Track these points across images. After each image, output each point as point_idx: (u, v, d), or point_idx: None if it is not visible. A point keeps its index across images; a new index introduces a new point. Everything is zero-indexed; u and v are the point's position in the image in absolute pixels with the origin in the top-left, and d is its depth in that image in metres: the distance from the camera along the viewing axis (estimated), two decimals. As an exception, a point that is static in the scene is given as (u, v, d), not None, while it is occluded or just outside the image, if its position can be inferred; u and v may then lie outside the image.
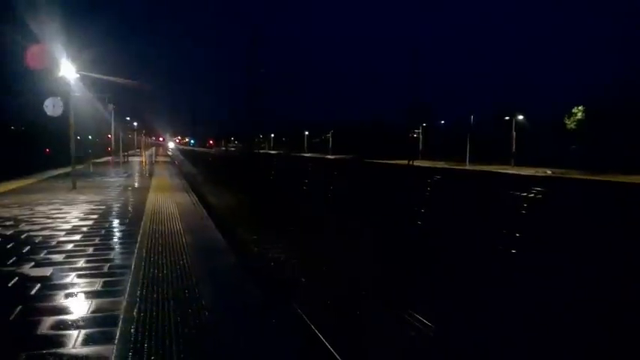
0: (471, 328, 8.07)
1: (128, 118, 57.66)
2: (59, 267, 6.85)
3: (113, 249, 8.17)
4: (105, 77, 28.71)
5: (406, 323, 8.42)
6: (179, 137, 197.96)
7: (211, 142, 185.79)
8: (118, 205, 13.66)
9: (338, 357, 6.72)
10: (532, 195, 25.58)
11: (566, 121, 54.04)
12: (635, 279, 10.70)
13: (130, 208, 12.97)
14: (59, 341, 4.37)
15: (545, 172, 42.03)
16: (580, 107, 53.26)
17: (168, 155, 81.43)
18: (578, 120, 53.06)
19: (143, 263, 7.06)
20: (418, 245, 13.97)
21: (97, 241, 8.67)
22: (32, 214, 11.63)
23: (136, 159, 52.35)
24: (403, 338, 7.99)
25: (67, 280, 6.25)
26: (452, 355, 7.53)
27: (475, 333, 7.89)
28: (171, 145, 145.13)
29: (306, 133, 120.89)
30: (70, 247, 8.14)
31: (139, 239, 8.77)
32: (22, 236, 8.98)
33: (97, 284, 6.05)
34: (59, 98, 18.31)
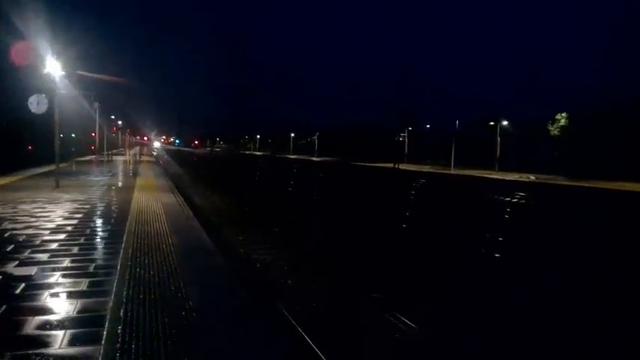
0: (453, 330, 8.14)
1: (113, 117, 57.15)
2: (44, 266, 6.78)
3: (98, 249, 8.11)
4: (90, 75, 28.51)
5: (390, 325, 8.47)
6: (164, 137, 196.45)
7: (196, 142, 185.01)
8: (103, 204, 13.55)
9: (322, 356, 6.75)
10: (515, 200, 25.83)
11: (550, 128, 54.62)
12: (616, 283, 10.86)
13: (114, 208, 12.88)
14: (45, 341, 4.34)
15: (529, 178, 42.43)
16: (563, 114, 53.85)
17: (152, 155, 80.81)
18: (562, 126, 53.64)
19: (129, 263, 7.01)
20: (401, 248, 14.03)
21: (82, 240, 8.60)
22: (15, 212, 11.49)
23: (120, 158, 51.89)
24: (387, 340, 8.03)
25: (52, 279, 6.20)
26: (434, 356, 7.58)
27: (457, 335, 7.96)
28: (156, 144, 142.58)
29: (292, 134, 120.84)
30: (54, 246, 8.07)
31: (124, 239, 8.72)
32: (6, 235, 8.88)
33: (83, 284, 6.01)
34: (44, 95, 18.12)
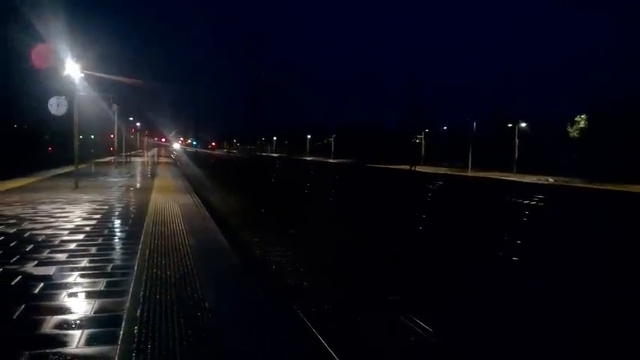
0: (469, 333, 8.06)
1: (131, 118, 57.72)
2: (62, 266, 6.86)
3: (116, 249, 8.18)
4: (109, 77, 28.81)
5: (405, 327, 8.41)
6: (182, 138, 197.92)
7: (214, 143, 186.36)
8: (121, 205, 13.68)
9: (336, 357, 6.74)
10: (534, 203, 25.60)
11: (569, 130, 54.01)
12: (634, 286, 10.71)
13: (132, 209, 12.99)
14: (62, 341, 4.37)
15: (547, 180, 42.01)
16: (583, 116, 53.22)
17: (171, 157, 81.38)
18: (581, 128, 53.01)
19: (146, 264, 7.06)
20: (418, 251, 13.96)
21: (100, 240, 8.68)
22: (35, 212, 11.65)
23: (139, 159, 52.40)
24: (401, 342, 7.98)
25: (70, 279, 6.26)
26: (447, 357, 7.51)
27: (472, 337, 7.88)
28: (176, 146, 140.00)
29: (309, 136, 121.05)
30: (73, 246, 8.15)
31: (141, 240, 8.78)
32: (25, 235, 8.99)
33: (101, 284, 6.06)
34: (64, 97, 18.35)
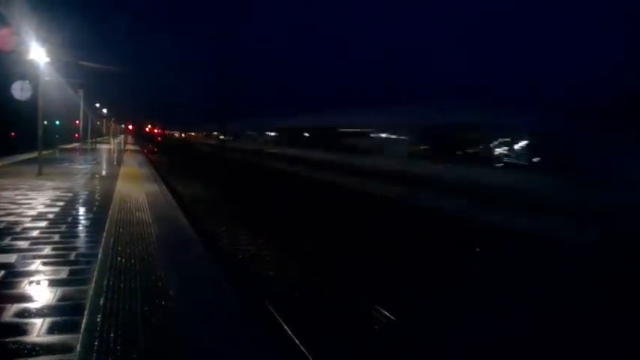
0: (431, 323, 8.24)
1: (98, 105, 56.55)
2: (24, 254, 6.76)
3: (80, 237, 8.09)
4: (75, 61, 28.19)
5: (366, 317, 8.55)
6: (149, 126, 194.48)
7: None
8: (86, 192, 13.47)
9: (299, 343, 6.83)
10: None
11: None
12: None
13: (97, 196, 12.81)
14: (23, 329, 4.34)
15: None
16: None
17: (138, 144, 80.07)
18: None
19: (110, 252, 7.02)
20: (385, 244, 14.13)
21: (63, 228, 8.56)
22: (-4, 199, 11.39)
23: (105, 146, 51.44)
24: (362, 328, 8.12)
25: (32, 267, 6.18)
26: (407, 344, 7.68)
27: (433, 328, 8.06)
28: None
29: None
30: (35, 233, 8.03)
31: (106, 228, 8.70)
32: (-14, 222, 8.81)
33: (63, 272, 6.00)
34: (27, 81, 17.91)
